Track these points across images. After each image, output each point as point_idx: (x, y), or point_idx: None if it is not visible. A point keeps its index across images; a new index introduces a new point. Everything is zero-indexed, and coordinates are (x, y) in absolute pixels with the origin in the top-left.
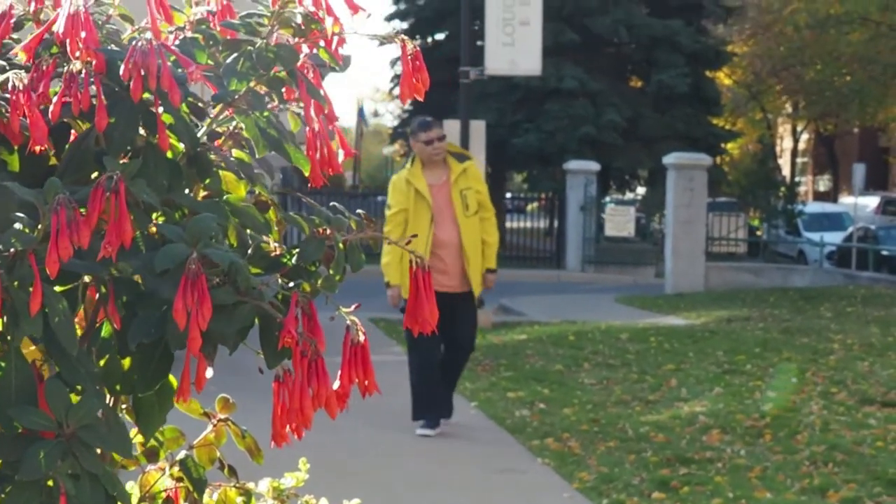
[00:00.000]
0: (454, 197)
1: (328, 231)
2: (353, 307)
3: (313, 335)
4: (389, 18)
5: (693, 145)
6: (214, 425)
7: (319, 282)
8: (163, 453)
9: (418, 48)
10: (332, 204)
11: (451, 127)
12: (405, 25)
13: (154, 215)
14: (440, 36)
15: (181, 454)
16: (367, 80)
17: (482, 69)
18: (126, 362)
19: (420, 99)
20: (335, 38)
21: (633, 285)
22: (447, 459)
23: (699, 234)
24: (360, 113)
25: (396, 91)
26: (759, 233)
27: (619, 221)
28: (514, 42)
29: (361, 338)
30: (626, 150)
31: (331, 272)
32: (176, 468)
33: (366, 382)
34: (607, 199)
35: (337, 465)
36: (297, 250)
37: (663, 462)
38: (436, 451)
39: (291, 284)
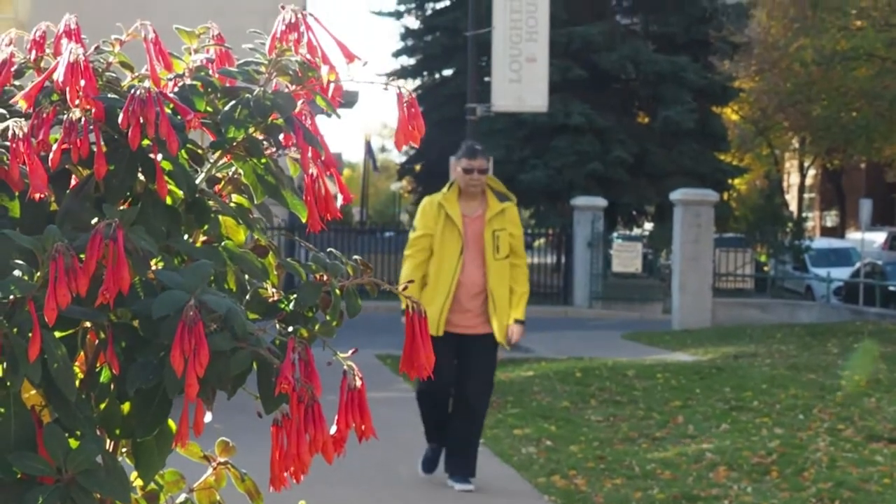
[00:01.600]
0: (486, 236)
1: (325, 277)
2: (350, 352)
3: (310, 381)
4: (397, 55)
5: (700, 181)
6: (214, 468)
7: (317, 327)
8: (163, 497)
9: (413, 95)
10: (329, 249)
11: None
12: (412, 62)
13: (153, 261)
14: (448, 72)
15: (181, 497)
16: (375, 116)
17: (489, 106)
18: (125, 407)
19: (416, 145)
20: (332, 86)
21: (641, 321)
22: (452, 496)
23: (706, 269)
24: (369, 152)
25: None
26: (766, 268)
27: (627, 257)
28: (520, 79)
29: (358, 383)
30: (634, 185)
31: (328, 317)
32: None
33: (363, 427)
34: (614, 234)
35: (337, 494)
36: (295, 296)
37: (670, 499)
38: (439, 487)
39: (290, 329)
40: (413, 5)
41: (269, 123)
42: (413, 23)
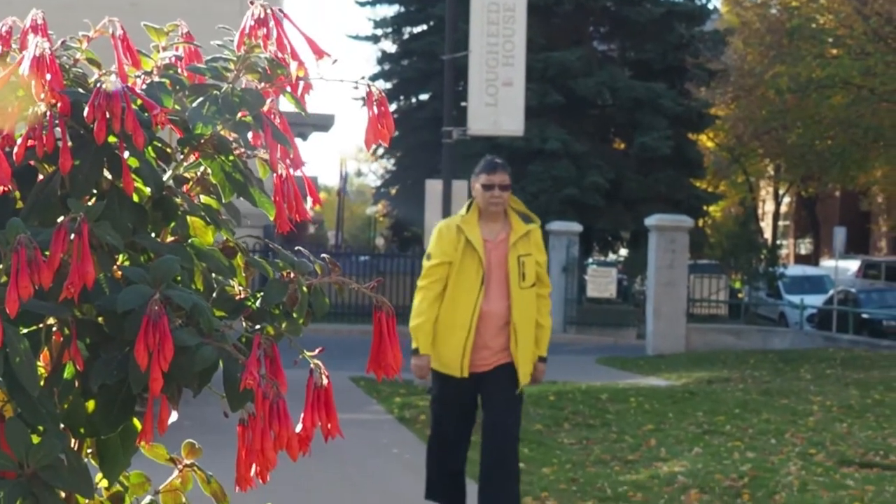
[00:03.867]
0: (510, 262)
1: (292, 275)
2: (316, 351)
3: (275, 378)
4: (373, 79)
5: (675, 207)
6: (180, 470)
7: (284, 325)
8: (128, 498)
9: (384, 94)
10: (297, 248)
11: (434, 186)
12: (389, 86)
13: (120, 258)
14: (424, 96)
15: (147, 499)
16: (350, 140)
17: (465, 129)
18: (90, 404)
19: (385, 144)
20: (301, 84)
21: (615, 346)
22: None
23: (681, 295)
24: (343, 176)
25: (380, 151)
26: (740, 295)
27: (601, 283)
28: (497, 103)
29: (325, 381)
30: (609, 211)
31: (294, 315)
32: None
33: (329, 425)
34: (589, 260)
35: None
36: (261, 294)
37: None
38: None
39: (257, 327)
40: (390, 30)
41: (237, 121)
42: (390, 47)
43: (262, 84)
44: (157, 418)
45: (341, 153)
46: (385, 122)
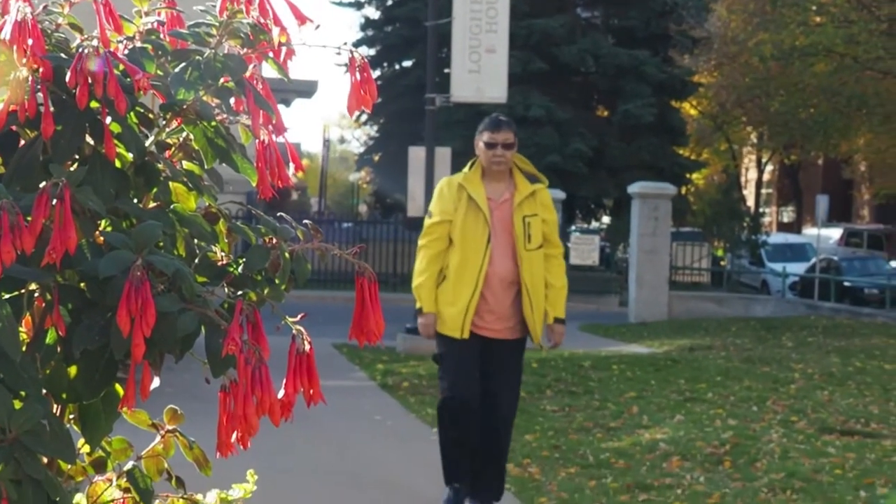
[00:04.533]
0: (515, 222)
1: (274, 241)
2: (298, 317)
3: (257, 343)
4: (357, 45)
5: (658, 175)
6: (162, 436)
7: (266, 291)
8: (111, 464)
9: (366, 60)
10: (279, 214)
11: (417, 153)
12: (372, 52)
13: (103, 223)
14: (408, 63)
15: (129, 465)
16: (333, 106)
17: (448, 96)
18: (72, 370)
19: (368, 110)
20: (283, 50)
21: (597, 314)
22: (403, 483)
23: (663, 263)
24: (326, 142)
25: (363, 118)
26: (723, 263)
27: (584, 250)
28: (480, 70)
29: (307, 347)
30: (592, 179)
31: (276, 281)
32: (123, 479)
33: (311, 391)
34: (572, 227)
35: (287, 477)
36: (244, 260)
37: (623, 488)
38: (394, 473)
39: (239, 293)
40: None
41: (219, 86)
42: (374, 13)
43: (245, 50)
44: (139, 384)
45: (324, 120)
46: (368, 88)
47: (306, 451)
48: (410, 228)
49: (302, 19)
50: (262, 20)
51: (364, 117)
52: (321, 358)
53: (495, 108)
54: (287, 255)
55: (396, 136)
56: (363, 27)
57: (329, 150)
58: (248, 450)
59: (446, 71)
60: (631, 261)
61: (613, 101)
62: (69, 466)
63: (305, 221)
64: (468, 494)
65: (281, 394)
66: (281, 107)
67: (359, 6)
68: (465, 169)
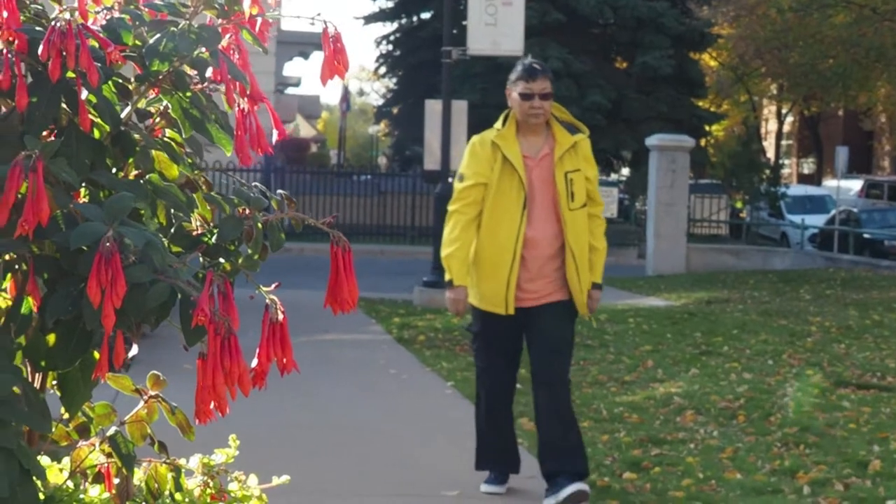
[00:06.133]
0: (558, 179)
1: (247, 211)
2: (272, 286)
3: (227, 314)
4: None
5: (677, 127)
6: (146, 402)
7: (240, 260)
8: (94, 429)
9: (339, 31)
10: (254, 184)
11: (433, 107)
12: (391, 4)
13: (82, 193)
14: (426, 15)
15: (112, 430)
16: (353, 59)
17: (464, 49)
18: (50, 338)
19: (342, 80)
20: (259, 20)
21: (616, 266)
22: (415, 436)
23: (681, 215)
24: (345, 96)
25: (382, 70)
26: (742, 215)
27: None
28: (496, 22)
29: (280, 316)
30: (610, 131)
31: (249, 251)
32: (106, 444)
33: (284, 360)
34: None
35: (298, 431)
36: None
37: (636, 442)
38: (406, 427)
39: (222, 261)
40: None
41: (194, 57)
42: None
43: (221, 21)
44: (114, 352)
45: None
46: (341, 59)
47: (321, 405)
48: (428, 181)
49: None
50: None
51: (383, 69)
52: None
53: (513, 60)
54: (260, 225)
55: (415, 89)
56: None
57: (350, 103)
58: (257, 405)
59: (464, 23)
60: (649, 213)
61: (632, 52)
62: (53, 431)
63: (280, 192)
64: (547, 478)
65: (254, 363)
66: (299, 59)
67: None
68: (498, 124)
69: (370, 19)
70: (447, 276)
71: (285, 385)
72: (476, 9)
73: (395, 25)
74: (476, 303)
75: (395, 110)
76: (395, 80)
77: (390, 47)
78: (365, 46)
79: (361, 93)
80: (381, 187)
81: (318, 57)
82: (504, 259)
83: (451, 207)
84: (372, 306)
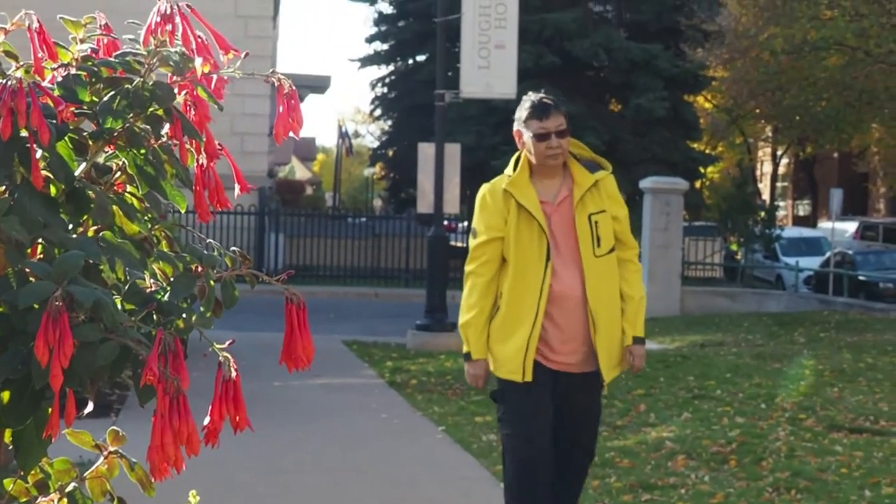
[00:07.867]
0: (579, 224)
1: (200, 269)
2: (227, 343)
3: (177, 373)
4: (370, 40)
5: (672, 169)
6: (106, 457)
7: (194, 318)
8: (53, 485)
9: (294, 88)
10: (208, 241)
11: (426, 150)
12: (385, 47)
13: (39, 249)
14: (421, 58)
15: (71, 486)
16: (348, 101)
17: (458, 92)
18: (4, 395)
19: (296, 137)
20: (214, 77)
21: None
22: (405, 481)
23: (675, 258)
24: (343, 136)
25: (377, 112)
26: (737, 257)
27: None
28: (489, 65)
29: (233, 374)
30: None
31: (202, 308)
32: (65, 500)
33: (237, 418)
34: None
35: (292, 476)
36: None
37: (626, 488)
38: (397, 472)
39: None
40: None
41: (148, 114)
42: (387, 8)
43: (176, 78)
44: (65, 410)
45: (339, 114)
46: (295, 116)
47: (311, 450)
48: (422, 223)
49: (226, 49)
50: (185, 50)
51: (378, 111)
52: (332, 354)
53: (508, 103)
54: (212, 282)
55: (410, 131)
56: (377, 22)
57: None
58: (247, 450)
59: (458, 66)
60: (643, 256)
61: (626, 95)
62: (11, 486)
63: (233, 248)
64: None
65: (206, 421)
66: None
67: (372, 1)
68: (508, 169)
69: (366, 62)
70: (465, 348)
71: (275, 429)
72: (469, 52)
73: (391, 68)
74: (495, 371)
75: (390, 152)
76: (390, 122)
77: (385, 90)
78: (360, 89)
79: (357, 135)
80: (376, 230)
81: (313, 99)
82: (525, 318)
83: (467, 268)
84: (365, 350)
